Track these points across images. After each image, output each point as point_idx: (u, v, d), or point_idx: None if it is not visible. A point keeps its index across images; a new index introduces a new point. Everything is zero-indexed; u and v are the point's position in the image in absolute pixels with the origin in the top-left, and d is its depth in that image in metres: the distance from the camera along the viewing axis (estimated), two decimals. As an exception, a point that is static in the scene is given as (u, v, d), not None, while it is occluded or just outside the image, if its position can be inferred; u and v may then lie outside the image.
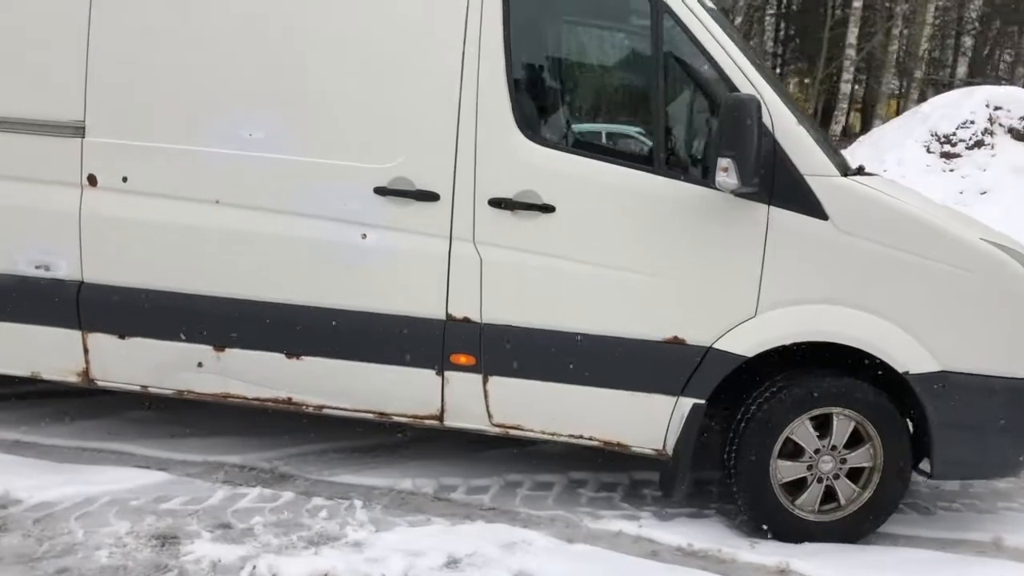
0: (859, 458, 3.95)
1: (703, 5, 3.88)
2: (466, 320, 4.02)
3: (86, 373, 4.38)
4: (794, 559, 3.78)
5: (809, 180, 3.77)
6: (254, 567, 3.51)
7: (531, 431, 4.13)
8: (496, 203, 3.91)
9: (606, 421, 4.06)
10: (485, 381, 4.06)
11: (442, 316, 4.04)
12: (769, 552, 3.87)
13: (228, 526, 3.89)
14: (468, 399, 4.10)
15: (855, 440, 3.95)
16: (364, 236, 4.03)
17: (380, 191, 3.98)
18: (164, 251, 4.18)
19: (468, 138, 3.91)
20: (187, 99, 4.10)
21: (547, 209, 3.89)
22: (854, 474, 3.99)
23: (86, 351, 4.33)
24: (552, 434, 4.13)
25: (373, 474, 4.47)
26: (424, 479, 4.42)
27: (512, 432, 4.15)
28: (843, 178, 3.83)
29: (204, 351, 4.24)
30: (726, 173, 3.56)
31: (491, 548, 3.75)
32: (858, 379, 3.90)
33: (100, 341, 4.30)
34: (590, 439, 4.10)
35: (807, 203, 3.77)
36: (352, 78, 3.99)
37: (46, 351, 4.38)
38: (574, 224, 3.89)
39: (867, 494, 3.97)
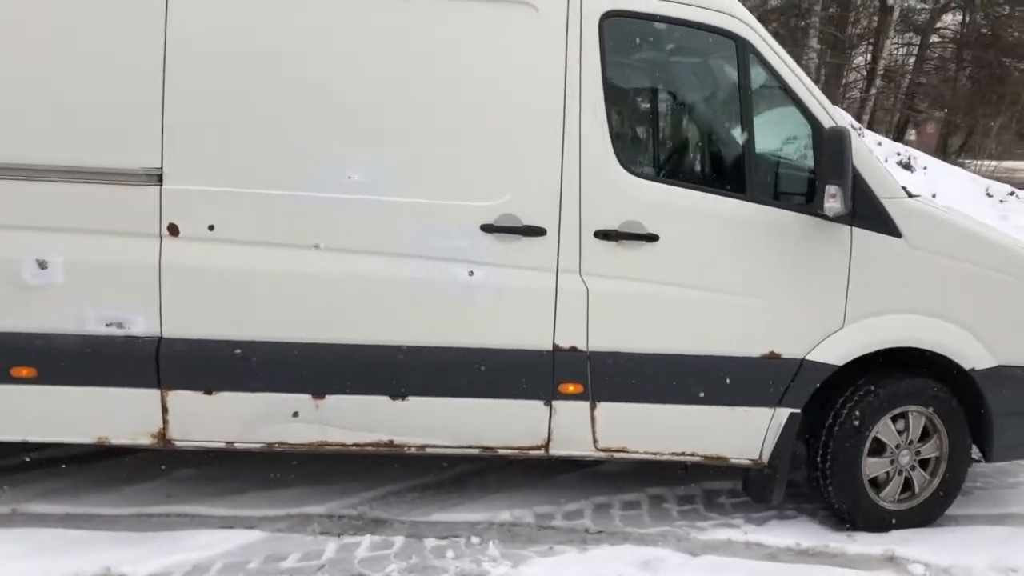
0: (929, 449, 4.40)
1: (773, 43, 4.20)
2: (573, 349, 4.13)
3: (163, 434, 4.12)
4: (894, 547, 4.17)
5: (885, 202, 4.17)
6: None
7: (635, 453, 4.29)
8: (602, 235, 4.06)
9: (708, 437, 4.28)
10: (592, 408, 4.18)
11: (549, 347, 4.13)
12: (868, 543, 4.23)
13: (366, 577, 3.83)
14: (575, 427, 4.21)
15: (924, 433, 4.39)
16: (471, 273, 4.06)
17: (487, 228, 4.03)
18: (258, 300, 4.02)
19: (572, 174, 4.04)
20: (281, 142, 3.97)
21: (651, 238, 4.07)
22: (923, 464, 4.42)
23: (165, 410, 4.08)
24: (655, 453, 4.30)
25: (464, 510, 4.47)
26: (519, 510, 4.47)
27: (616, 455, 4.29)
28: (911, 199, 4.26)
29: (301, 400, 4.10)
30: (834, 199, 3.90)
31: (633, 570, 3.91)
32: (928, 379, 4.34)
33: (182, 399, 4.07)
34: (692, 455, 4.31)
35: (884, 223, 4.16)
36: (457, 119, 4.00)
37: (117, 414, 4.09)
38: (677, 251, 4.10)
39: (936, 481, 4.42)
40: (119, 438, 4.15)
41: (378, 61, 3.98)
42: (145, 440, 4.14)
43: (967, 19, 33.50)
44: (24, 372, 4.01)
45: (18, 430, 4.13)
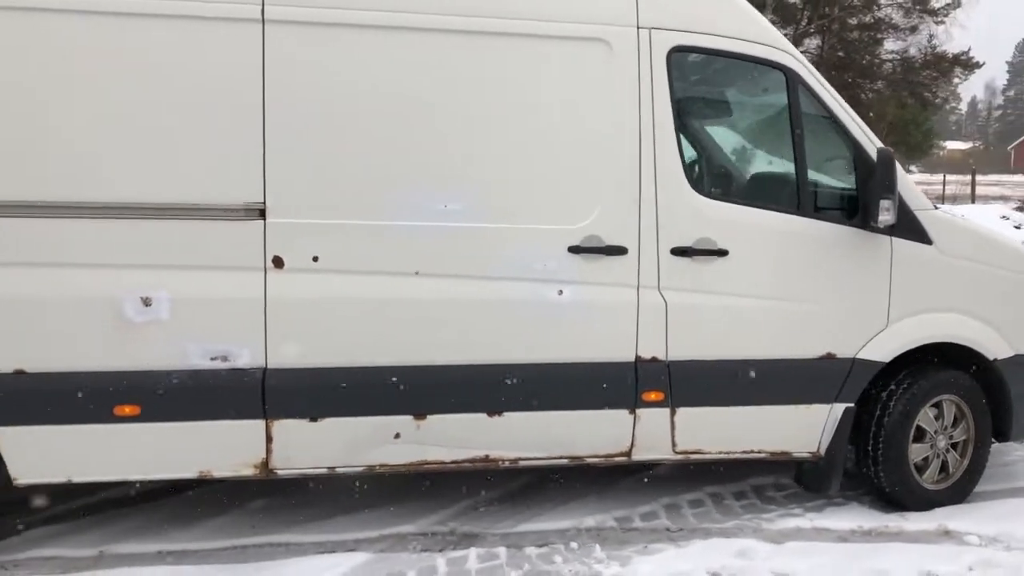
0: (959, 434, 4.90)
1: (814, 73, 4.65)
2: (654, 360, 4.43)
3: (265, 464, 4.18)
4: (945, 522, 4.64)
5: (917, 214, 4.67)
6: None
7: (709, 453, 4.61)
8: (679, 251, 4.39)
9: (774, 434, 4.65)
10: (672, 414, 4.49)
11: (632, 358, 4.41)
12: (919, 521, 4.69)
13: (492, 588, 4.01)
14: (656, 433, 4.50)
15: (954, 419, 4.89)
16: (560, 292, 4.31)
17: (574, 249, 4.29)
18: (361, 327, 4.15)
19: (649, 196, 4.35)
20: (379, 175, 4.12)
21: (722, 253, 4.43)
22: (954, 447, 4.92)
23: (269, 440, 4.14)
24: (727, 453, 4.64)
25: (546, 519, 4.68)
26: (599, 515, 4.71)
27: (692, 457, 4.60)
28: (937, 210, 4.77)
29: (404, 421, 4.25)
30: (887, 212, 4.37)
31: (732, 559, 4.23)
32: (957, 369, 4.84)
33: (287, 427, 4.14)
34: (759, 452, 4.66)
35: (917, 232, 4.66)
36: (542, 149, 4.26)
37: (221, 447, 4.13)
38: (744, 264, 4.46)
39: (966, 462, 4.93)
40: (222, 471, 4.19)
41: (468, 98, 4.20)
42: (247, 471, 4.19)
43: (825, 43, 35.75)
44: (127, 410, 4.01)
45: (120, 469, 4.12)
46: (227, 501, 4.82)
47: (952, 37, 36.50)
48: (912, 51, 35.41)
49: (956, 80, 37.02)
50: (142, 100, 3.93)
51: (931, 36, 35.05)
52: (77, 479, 4.10)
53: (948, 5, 33.55)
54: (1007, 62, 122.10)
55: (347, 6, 4.09)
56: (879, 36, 35.16)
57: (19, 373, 3.91)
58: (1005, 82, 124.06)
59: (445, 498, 4.89)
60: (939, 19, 34.07)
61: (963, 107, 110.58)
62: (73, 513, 4.65)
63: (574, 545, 4.37)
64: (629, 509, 4.82)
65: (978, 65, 33.66)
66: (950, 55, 34.20)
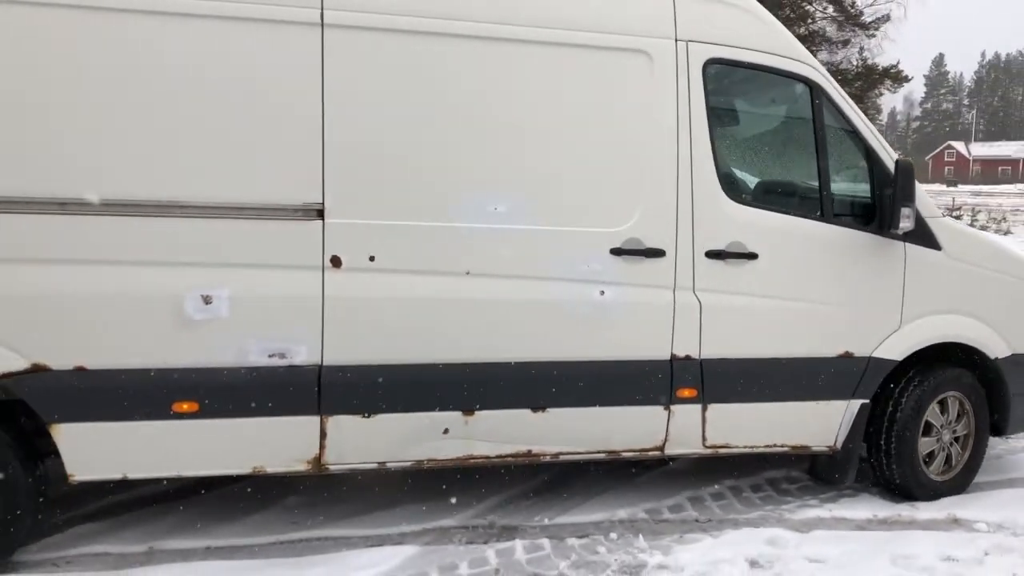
0: (961, 428, 5.21)
1: (833, 86, 4.92)
2: (687, 358, 4.63)
3: (318, 460, 4.25)
4: (953, 511, 4.95)
5: (928, 221, 4.96)
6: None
7: (736, 447, 4.83)
8: (712, 255, 4.60)
9: (795, 429, 4.89)
10: (704, 409, 4.69)
11: (667, 356, 4.61)
12: (929, 510, 4.98)
13: (541, 576, 4.15)
14: (688, 428, 4.70)
15: (957, 415, 5.20)
16: (602, 293, 4.48)
17: (615, 251, 4.47)
18: (414, 325, 4.26)
19: (686, 200, 4.56)
20: (434, 178, 4.24)
21: (752, 256, 4.65)
22: (956, 441, 5.23)
23: (323, 435, 4.22)
24: (752, 447, 4.86)
25: (580, 512, 4.84)
26: (630, 508, 4.89)
27: (720, 451, 4.81)
28: (945, 218, 5.07)
29: (453, 417, 4.37)
30: (907, 219, 4.65)
31: (766, 547, 4.44)
32: (960, 367, 5.15)
33: (341, 423, 4.23)
34: (781, 446, 4.90)
35: (928, 238, 4.96)
36: (587, 155, 4.43)
37: (275, 443, 4.19)
38: (773, 267, 4.70)
39: (967, 455, 5.25)
40: (275, 466, 4.24)
41: (519, 105, 4.35)
42: (300, 467, 4.26)
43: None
44: (186, 407, 4.05)
45: (175, 465, 4.15)
46: (263, 496, 4.88)
47: (883, 50, 37.67)
48: (844, 64, 36.45)
49: (886, 92, 38.23)
50: (203, 102, 3.97)
51: (862, 49, 36.16)
52: (132, 475, 4.12)
53: (879, 19, 34.72)
54: (924, 76, 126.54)
55: (404, 12, 4.19)
56: (813, 48, 36.10)
57: (80, 370, 3.92)
58: (923, 95, 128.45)
59: (478, 492, 5.01)
60: (871, 32, 35.18)
61: (883, 118, 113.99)
62: (114, 509, 4.65)
63: (614, 536, 4.54)
64: (656, 502, 5.01)
65: (907, 78, 34.75)
66: (880, 68, 35.35)
